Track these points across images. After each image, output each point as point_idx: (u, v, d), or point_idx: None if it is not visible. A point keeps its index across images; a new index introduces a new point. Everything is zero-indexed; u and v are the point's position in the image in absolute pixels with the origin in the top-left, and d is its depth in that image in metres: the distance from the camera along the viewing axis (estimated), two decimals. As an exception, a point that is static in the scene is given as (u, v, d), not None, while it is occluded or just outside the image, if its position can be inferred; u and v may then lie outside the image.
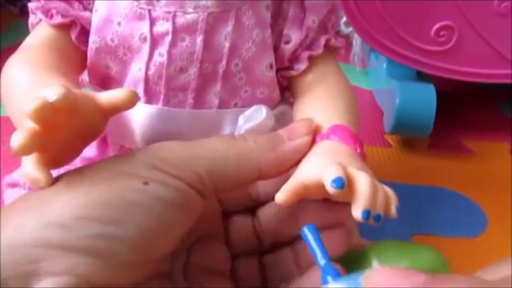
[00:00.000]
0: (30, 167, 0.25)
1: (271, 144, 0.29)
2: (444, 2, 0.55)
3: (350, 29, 0.62)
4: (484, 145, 0.63)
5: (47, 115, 0.23)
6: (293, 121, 0.34)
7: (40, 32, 0.35)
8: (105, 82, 0.35)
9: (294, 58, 0.36)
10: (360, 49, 0.72)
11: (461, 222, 0.52)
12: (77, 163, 0.28)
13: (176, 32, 0.33)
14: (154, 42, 0.33)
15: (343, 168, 0.26)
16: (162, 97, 0.34)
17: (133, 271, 0.25)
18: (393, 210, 0.27)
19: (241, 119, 0.34)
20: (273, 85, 0.36)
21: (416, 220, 0.51)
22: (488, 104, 0.71)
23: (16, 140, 0.23)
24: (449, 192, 0.55)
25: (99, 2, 0.34)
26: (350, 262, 0.31)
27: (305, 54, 0.35)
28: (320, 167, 0.27)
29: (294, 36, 0.35)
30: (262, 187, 0.31)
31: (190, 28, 0.33)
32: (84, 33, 0.35)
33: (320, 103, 0.34)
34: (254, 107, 0.34)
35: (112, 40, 0.34)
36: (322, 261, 0.26)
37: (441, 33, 0.56)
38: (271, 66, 0.35)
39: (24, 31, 0.36)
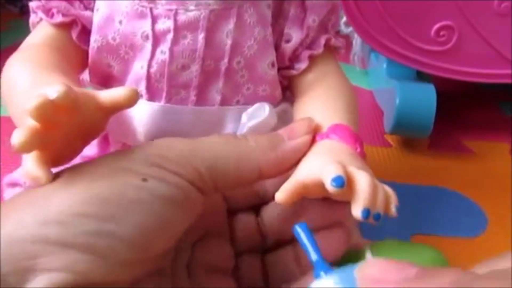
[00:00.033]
0: (30, 165, 0.25)
1: (272, 144, 0.29)
2: (444, 2, 0.55)
3: (350, 29, 0.62)
4: (484, 145, 0.63)
5: (48, 112, 0.23)
6: (294, 120, 0.34)
7: (40, 31, 0.35)
8: (106, 81, 0.35)
9: (295, 57, 0.36)
10: (360, 49, 0.72)
11: (461, 222, 0.52)
12: (77, 162, 0.28)
13: (178, 29, 0.33)
14: (156, 40, 0.33)
15: (343, 167, 0.26)
16: (164, 94, 0.34)
17: (132, 268, 0.25)
18: (393, 209, 0.27)
19: (244, 117, 0.34)
20: (275, 83, 0.36)
21: (416, 220, 0.51)
22: (488, 104, 0.71)
23: (17, 137, 0.23)
24: (449, 192, 0.55)
25: (100, 1, 0.34)
26: (350, 262, 0.30)
27: (305, 54, 0.36)
28: (320, 166, 0.27)
29: (294, 35, 0.35)
30: (270, 184, 0.31)
31: (191, 26, 0.33)
32: (85, 32, 0.35)
33: (320, 103, 0.34)
34: (257, 105, 0.34)
35: (114, 39, 0.34)
36: (314, 257, 0.26)
37: (441, 33, 0.56)
38: (272, 64, 0.35)
39: (24, 31, 0.36)
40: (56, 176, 0.25)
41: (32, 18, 0.36)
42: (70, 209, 0.24)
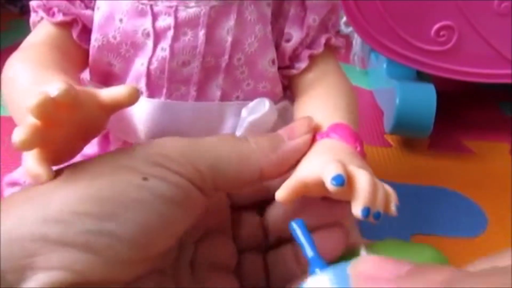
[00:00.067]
0: (31, 162, 0.25)
1: (272, 145, 0.29)
2: (444, 2, 0.55)
3: (350, 29, 0.62)
4: (484, 145, 0.63)
5: (49, 110, 0.23)
6: (294, 120, 0.34)
7: (41, 31, 0.35)
8: (106, 79, 0.35)
9: (295, 56, 0.36)
10: (360, 49, 0.72)
11: (461, 222, 0.52)
12: (77, 160, 0.28)
13: (178, 26, 0.33)
14: (157, 37, 0.33)
15: (343, 166, 0.26)
16: (164, 90, 0.34)
17: (132, 267, 0.25)
18: (392, 208, 0.27)
19: (244, 111, 0.34)
20: (275, 80, 0.36)
21: (416, 220, 0.51)
22: (488, 104, 0.71)
23: (18, 135, 0.23)
24: (449, 192, 0.55)
25: (101, 0, 0.34)
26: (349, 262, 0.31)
27: (305, 53, 0.36)
28: (320, 165, 0.27)
29: (295, 35, 0.35)
30: (273, 180, 0.30)
31: (192, 22, 0.33)
32: (86, 31, 0.35)
33: (321, 102, 0.34)
34: (257, 100, 0.34)
35: (114, 37, 0.34)
36: (310, 254, 0.26)
37: (441, 33, 0.56)
38: (273, 62, 0.35)
39: (24, 31, 0.36)
40: (56, 174, 0.25)
41: (33, 17, 0.36)
42: (71, 207, 0.24)
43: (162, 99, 0.34)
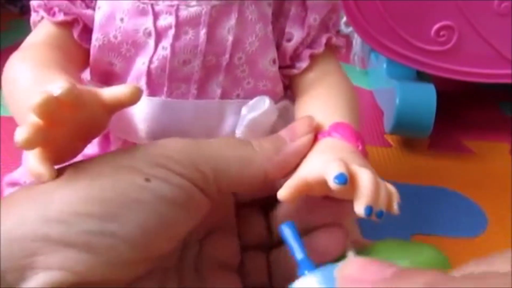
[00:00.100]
0: (33, 161, 0.25)
1: (275, 148, 0.29)
2: (444, 2, 0.55)
3: (350, 29, 0.62)
4: (484, 145, 0.63)
5: (52, 109, 0.23)
6: (295, 119, 0.34)
7: (42, 30, 0.35)
8: (107, 78, 0.35)
9: (296, 56, 0.36)
10: (360, 49, 0.72)
11: (461, 222, 0.52)
12: (78, 160, 0.28)
13: (179, 25, 0.33)
14: (158, 36, 0.33)
15: (346, 165, 0.26)
16: (165, 89, 0.34)
17: (133, 268, 0.25)
18: (395, 207, 0.27)
19: (244, 109, 0.34)
20: (276, 79, 0.36)
21: (416, 220, 0.51)
22: (488, 104, 0.71)
23: (20, 134, 0.23)
24: (449, 192, 0.55)
25: (102, 0, 0.34)
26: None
27: (306, 52, 0.36)
28: (322, 164, 0.27)
29: (296, 34, 0.35)
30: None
31: (193, 21, 0.33)
32: (86, 31, 0.35)
33: (321, 101, 0.34)
34: (257, 98, 0.34)
35: (115, 37, 0.34)
36: (299, 256, 0.26)
37: (441, 33, 0.56)
38: (274, 61, 0.35)
39: (24, 31, 0.36)
40: (58, 174, 0.25)
41: (33, 17, 0.36)
42: (72, 207, 0.24)
43: (163, 97, 0.34)
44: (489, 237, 0.50)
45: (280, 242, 0.30)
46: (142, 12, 0.33)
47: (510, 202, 0.52)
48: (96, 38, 0.34)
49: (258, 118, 0.33)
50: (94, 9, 0.35)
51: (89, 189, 0.24)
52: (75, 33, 0.35)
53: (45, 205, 0.24)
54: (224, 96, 0.35)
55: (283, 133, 0.30)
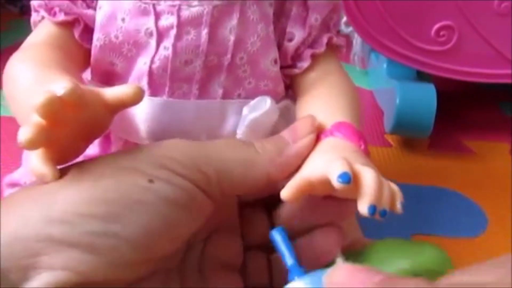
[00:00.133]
0: (36, 162, 0.25)
1: (277, 149, 0.29)
2: (444, 2, 0.55)
3: (350, 29, 0.62)
4: (484, 145, 0.63)
5: (55, 109, 0.23)
6: (296, 119, 0.34)
7: (42, 30, 0.35)
8: (108, 78, 0.35)
9: (297, 56, 0.36)
10: (360, 49, 0.72)
11: (461, 222, 0.52)
12: (79, 160, 0.28)
13: (181, 25, 0.33)
14: (160, 36, 0.33)
15: (349, 164, 0.26)
16: (166, 89, 0.34)
17: (135, 268, 0.25)
18: (398, 206, 0.27)
19: (245, 109, 0.34)
20: (277, 79, 0.36)
21: (416, 220, 0.51)
22: (488, 104, 0.71)
23: (24, 134, 0.23)
24: (449, 192, 0.55)
25: (103, 0, 0.34)
26: (351, 261, 0.31)
27: (307, 52, 0.36)
28: (325, 163, 0.27)
29: (297, 34, 0.35)
30: None
31: (195, 21, 0.33)
32: (87, 31, 0.35)
33: (323, 101, 0.34)
34: (258, 98, 0.34)
35: (117, 37, 0.34)
36: (290, 261, 0.26)
37: (441, 33, 0.56)
38: (275, 61, 0.35)
39: (24, 31, 0.36)
40: (61, 174, 0.25)
41: (34, 17, 0.36)
42: (76, 208, 0.24)
43: (164, 97, 0.34)
44: (489, 237, 0.50)
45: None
46: (144, 12, 0.33)
47: (510, 202, 0.52)
48: (97, 38, 0.34)
49: (259, 118, 0.33)
50: (95, 9, 0.35)
51: (92, 190, 0.24)
52: (76, 33, 0.35)
53: (48, 205, 0.24)
54: (226, 96, 0.35)
55: (285, 133, 0.30)
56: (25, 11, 0.83)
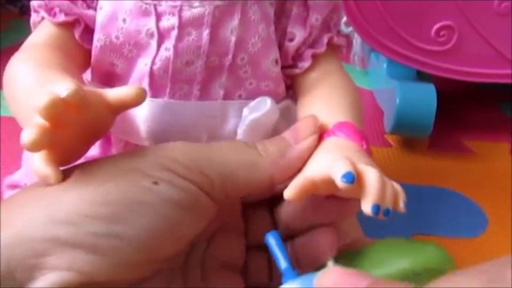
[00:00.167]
0: (39, 163, 0.25)
1: (280, 151, 0.29)
2: (444, 2, 0.55)
3: (350, 29, 0.62)
4: (484, 145, 0.63)
5: (58, 110, 0.23)
6: (297, 119, 0.34)
7: (42, 31, 0.35)
8: (109, 79, 0.35)
9: (298, 56, 0.36)
10: (360, 49, 0.72)
11: (461, 222, 0.52)
12: (80, 162, 0.28)
13: (182, 26, 0.33)
14: (161, 37, 0.33)
15: (352, 163, 0.26)
16: (167, 90, 0.34)
17: (138, 269, 0.25)
18: (401, 205, 0.27)
19: (245, 110, 0.34)
20: (278, 79, 0.36)
21: (416, 220, 0.51)
22: (488, 104, 0.71)
23: (27, 136, 0.23)
24: (449, 192, 0.55)
25: (103, 0, 0.34)
26: (352, 260, 0.31)
27: (308, 52, 0.36)
28: (328, 163, 0.27)
29: (298, 34, 0.35)
30: None
31: (196, 22, 0.33)
32: (88, 31, 0.35)
33: (324, 101, 0.34)
34: (259, 99, 0.34)
35: (117, 38, 0.34)
36: (283, 265, 0.27)
37: (441, 33, 0.56)
38: (276, 62, 0.35)
39: (24, 31, 0.36)
40: (64, 175, 0.25)
41: (33, 17, 0.36)
42: (80, 209, 0.24)
43: (165, 98, 0.34)
44: (489, 237, 0.50)
45: (286, 238, 0.30)
46: (145, 13, 0.33)
47: (510, 202, 0.52)
48: (98, 39, 0.34)
49: (259, 118, 0.33)
50: (95, 9, 0.34)
51: (96, 191, 0.25)
52: (77, 34, 0.35)
53: (53, 206, 0.24)
54: (227, 97, 0.35)
55: (287, 134, 0.30)
56: (25, 11, 0.83)
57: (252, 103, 0.34)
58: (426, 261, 0.31)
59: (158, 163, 0.26)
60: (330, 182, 0.26)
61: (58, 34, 0.35)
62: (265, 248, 0.30)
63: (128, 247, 0.24)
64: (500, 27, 0.56)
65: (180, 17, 0.33)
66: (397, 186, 0.27)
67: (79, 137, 0.26)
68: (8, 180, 0.40)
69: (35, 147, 0.24)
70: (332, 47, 0.37)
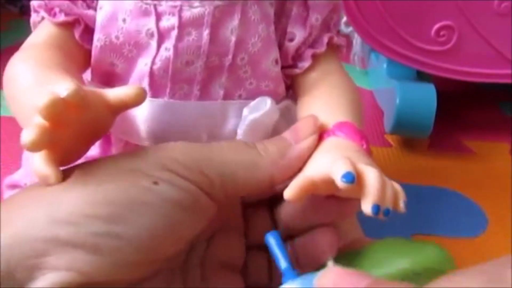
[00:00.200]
0: (39, 163, 0.25)
1: (280, 151, 0.29)
2: (444, 2, 0.55)
3: (350, 29, 0.62)
4: (484, 145, 0.63)
5: (59, 110, 0.23)
6: (297, 119, 0.34)
7: (43, 31, 0.35)
8: (109, 79, 0.35)
9: (298, 56, 0.36)
10: (360, 49, 0.72)
11: (461, 222, 0.52)
12: (80, 162, 0.28)
13: (182, 26, 0.33)
14: (161, 37, 0.33)
15: (352, 163, 0.26)
16: (167, 90, 0.34)
17: (138, 269, 0.25)
18: (401, 205, 0.27)
19: (245, 110, 0.34)
20: (278, 79, 0.36)
21: (416, 220, 0.51)
22: (488, 104, 0.72)
23: (27, 136, 0.23)
24: (449, 192, 0.55)
25: (103, 0, 0.34)
26: (352, 260, 0.31)
27: (308, 52, 0.36)
28: (328, 163, 0.27)
29: (298, 34, 0.35)
30: None
31: (196, 22, 0.33)
32: (88, 31, 0.35)
33: (324, 101, 0.34)
34: (258, 99, 0.34)
35: (117, 38, 0.34)
36: (283, 265, 0.27)
37: (441, 33, 0.56)
38: (276, 61, 0.35)
39: (24, 31, 0.36)
40: (64, 175, 0.25)
41: (33, 17, 0.36)
42: (81, 209, 0.24)
43: (165, 98, 0.34)
44: (489, 237, 0.50)
45: (286, 238, 0.30)
46: (145, 13, 0.33)
47: (510, 202, 0.52)
48: (98, 39, 0.34)
49: (259, 118, 0.33)
50: (95, 9, 0.34)
51: (97, 191, 0.25)
52: (77, 34, 0.35)
53: (53, 206, 0.24)
54: (227, 97, 0.35)
55: (287, 134, 0.30)
56: (25, 11, 0.83)
57: (252, 103, 0.34)
58: (426, 261, 0.31)
59: (158, 163, 0.26)
60: (330, 182, 0.26)
61: (58, 34, 0.35)
62: (265, 248, 0.30)
63: (128, 247, 0.24)
64: (500, 27, 0.56)
65: (180, 17, 0.33)
66: (397, 186, 0.27)
67: (79, 137, 0.26)
68: (8, 180, 0.40)
69: (35, 147, 0.24)
70: (332, 47, 0.37)
